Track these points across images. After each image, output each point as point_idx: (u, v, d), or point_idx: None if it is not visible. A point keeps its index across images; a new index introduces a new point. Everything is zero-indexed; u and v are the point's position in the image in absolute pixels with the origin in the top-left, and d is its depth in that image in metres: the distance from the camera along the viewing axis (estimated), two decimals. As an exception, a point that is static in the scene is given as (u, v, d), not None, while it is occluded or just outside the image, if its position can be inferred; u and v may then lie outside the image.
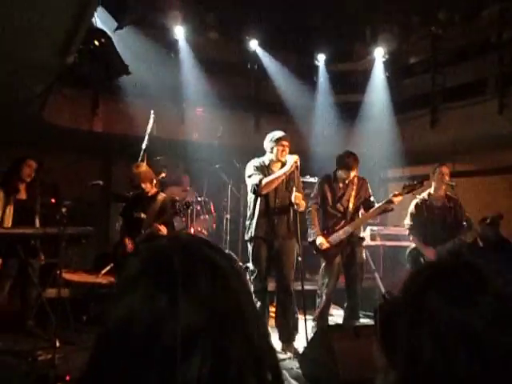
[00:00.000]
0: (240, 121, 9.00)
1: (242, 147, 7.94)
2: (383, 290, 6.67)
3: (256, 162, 5.10)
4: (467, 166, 8.80)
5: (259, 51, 9.08)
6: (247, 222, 5.15)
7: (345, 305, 5.50)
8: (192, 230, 7.08)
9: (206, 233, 7.20)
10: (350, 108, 9.43)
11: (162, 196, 5.54)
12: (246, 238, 5.13)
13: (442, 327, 0.94)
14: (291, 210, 5.02)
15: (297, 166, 4.90)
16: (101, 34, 4.53)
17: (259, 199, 5.01)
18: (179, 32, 8.46)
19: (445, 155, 7.38)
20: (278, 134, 5.08)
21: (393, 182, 9.17)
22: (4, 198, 5.14)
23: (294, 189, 4.91)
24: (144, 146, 6.89)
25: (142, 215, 5.46)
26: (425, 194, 5.72)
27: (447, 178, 5.61)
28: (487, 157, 8.56)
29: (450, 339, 0.93)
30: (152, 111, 6.99)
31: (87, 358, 0.78)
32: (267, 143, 5.07)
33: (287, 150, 4.99)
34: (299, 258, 4.84)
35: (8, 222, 5.08)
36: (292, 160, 4.87)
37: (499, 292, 0.98)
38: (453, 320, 0.94)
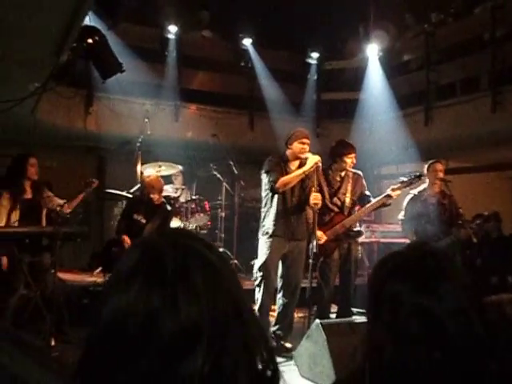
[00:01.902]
0: (234, 119, 9.01)
1: (236, 145, 7.95)
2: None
3: (274, 158, 5.00)
4: (461, 163, 8.85)
5: (252, 49, 9.08)
6: (263, 220, 5.00)
7: (338, 301, 5.50)
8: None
9: (200, 231, 7.19)
10: (344, 106, 9.45)
11: (167, 208, 5.60)
12: (261, 234, 4.98)
13: (403, 313, 0.96)
14: (307, 210, 4.96)
15: (317, 167, 4.80)
16: (95, 31, 4.50)
17: (276, 197, 4.90)
18: (172, 30, 8.44)
19: (439, 152, 7.41)
20: (300, 131, 5.00)
21: (387, 179, 9.17)
22: (10, 200, 4.99)
23: (313, 189, 4.81)
24: (138, 145, 6.89)
25: (143, 220, 5.49)
26: (419, 190, 5.74)
27: (441, 174, 5.64)
28: (481, 154, 8.61)
29: (410, 326, 0.94)
30: (146, 109, 6.99)
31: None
32: (287, 139, 4.97)
33: (307, 148, 4.88)
34: (310, 261, 4.76)
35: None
36: (313, 160, 4.75)
37: (459, 280, 1.00)
38: (414, 306, 0.96)
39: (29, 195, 5.19)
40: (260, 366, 0.80)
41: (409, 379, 0.93)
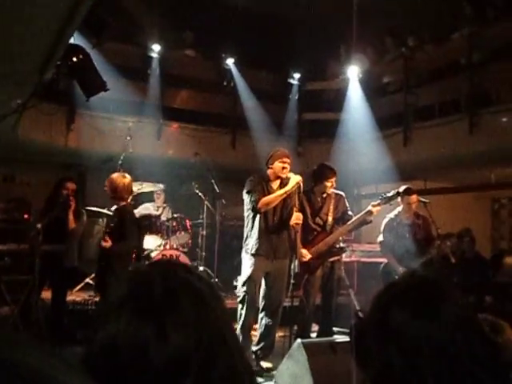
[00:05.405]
0: (216, 137, 9.04)
1: (218, 164, 7.97)
2: (357, 306, 6.73)
3: (255, 177, 5.00)
4: (438, 184, 9.00)
5: (235, 69, 9.17)
6: (245, 239, 5.01)
7: (319, 320, 5.52)
8: (168, 247, 7.05)
9: (181, 249, 7.17)
10: (324, 126, 9.57)
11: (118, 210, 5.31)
12: (244, 253, 4.99)
13: (408, 342, 0.97)
14: (289, 229, 4.96)
15: (299, 187, 4.84)
16: (79, 50, 4.54)
17: (258, 217, 4.91)
18: (156, 49, 8.50)
19: (417, 173, 7.53)
20: (280, 150, 5.03)
21: (367, 198, 9.27)
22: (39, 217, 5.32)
23: (294, 209, 4.83)
24: (120, 162, 6.87)
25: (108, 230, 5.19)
26: (395, 212, 5.89)
27: (414, 206, 5.77)
28: (458, 175, 8.77)
29: (417, 353, 0.96)
30: (128, 127, 6.99)
31: None
32: (268, 159, 5.01)
33: (288, 167, 4.91)
34: (292, 280, 4.76)
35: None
36: (295, 180, 4.80)
37: (457, 302, 1.03)
38: (418, 333, 0.97)
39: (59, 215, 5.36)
40: None
41: None
